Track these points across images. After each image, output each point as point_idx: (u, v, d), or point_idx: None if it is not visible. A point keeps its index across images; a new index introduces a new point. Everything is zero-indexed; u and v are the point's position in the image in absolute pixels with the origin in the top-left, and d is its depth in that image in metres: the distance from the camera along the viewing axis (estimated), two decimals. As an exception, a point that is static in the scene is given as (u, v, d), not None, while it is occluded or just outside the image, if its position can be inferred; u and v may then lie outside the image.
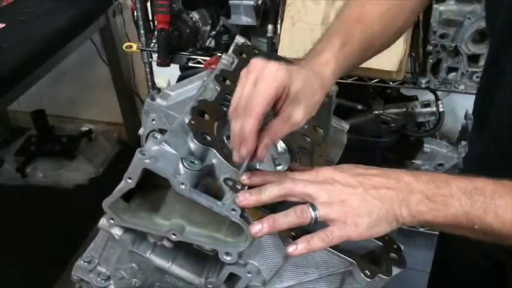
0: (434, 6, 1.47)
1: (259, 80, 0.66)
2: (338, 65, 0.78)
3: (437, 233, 1.16)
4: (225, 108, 0.79)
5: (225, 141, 0.76)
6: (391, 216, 0.66)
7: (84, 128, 2.76)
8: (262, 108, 0.65)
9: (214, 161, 0.72)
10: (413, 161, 1.81)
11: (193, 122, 0.73)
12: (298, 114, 0.69)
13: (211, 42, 1.84)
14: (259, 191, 0.68)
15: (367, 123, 1.73)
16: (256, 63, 0.67)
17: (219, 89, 0.84)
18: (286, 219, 0.67)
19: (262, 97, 0.65)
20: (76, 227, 2.05)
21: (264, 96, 0.65)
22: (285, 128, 0.70)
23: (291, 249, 0.66)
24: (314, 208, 0.66)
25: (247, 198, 0.68)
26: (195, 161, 0.70)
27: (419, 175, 0.69)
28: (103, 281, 0.82)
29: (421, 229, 1.98)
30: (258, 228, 0.66)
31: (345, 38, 0.80)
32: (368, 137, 1.75)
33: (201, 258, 0.80)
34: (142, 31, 1.80)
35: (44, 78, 1.99)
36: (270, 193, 0.68)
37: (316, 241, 0.66)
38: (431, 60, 1.56)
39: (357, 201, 0.66)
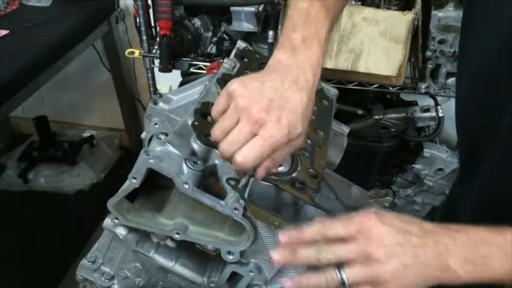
0: (433, 12, 1.48)
1: (262, 137, 0.65)
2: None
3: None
4: None
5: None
6: (423, 279, 0.64)
7: (86, 134, 2.78)
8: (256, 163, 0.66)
9: (216, 161, 0.74)
10: (413, 165, 1.82)
11: (196, 124, 0.75)
12: (299, 141, 0.70)
13: (212, 48, 1.85)
14: (297, 252, 0.66)
15: (367, 128, 1.73)
16: (255, 115, 0.65)
17: (221, 92, 0.85)
18: (315, 280, 0.65)
19: (257, 155, 0.65)
20: (77, 232, 2.07)
21: (260, 155, 0.66)
22: (286, 151, 0.70)
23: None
24: (342, 273, 0.64)
25: (284, 256, 0.66)
26: (198, 162, 0.71)
27: (457, 236, 0.65)
28: (107, 281, 0.84)
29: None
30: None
31: (330, 22, 0.77)
32: (368, 142, 1.76)
33: (203, 257, 0.81)
34: (144, 37, 1.81)
35: (47, 84, 2.01)
36: (308, 256, 0.66)
37: None
38: (430, 66, 1.57)
39: (392, 265, 0.63)
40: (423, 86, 1.62)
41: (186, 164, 0.70)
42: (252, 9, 1.63)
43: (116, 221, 0.76)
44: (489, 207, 0.83)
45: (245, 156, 0.65)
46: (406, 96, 1.85)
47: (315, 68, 0.72)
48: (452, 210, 1.01)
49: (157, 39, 1.76)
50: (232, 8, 1.65)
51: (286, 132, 0.65)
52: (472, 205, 0.87)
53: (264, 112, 0.65)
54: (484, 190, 0.82)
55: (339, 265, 0.64)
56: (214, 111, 0.70)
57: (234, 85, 0.67)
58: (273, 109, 0.65)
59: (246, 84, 0.67)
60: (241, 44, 1.03)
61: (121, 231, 0.78)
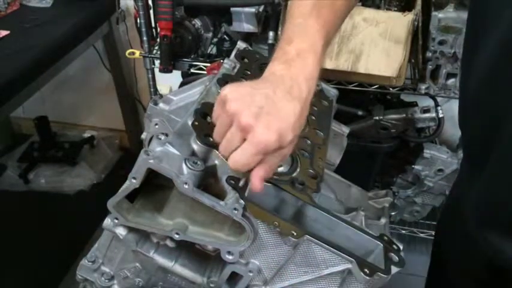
0: (433, 13, 1.48)
1: (250, 142, 0.65)
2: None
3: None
4: None
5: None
6: None
7: (87, 135, 2.78)
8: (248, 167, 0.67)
9: (216, 161, 0.74)
10: (413, 166, 1.82)
11: (196, 124, 0.75)
12: (288, 150, 0.70)
13: (212, 49, 1.85)
14: None
15: (367, 128, 1.73)
16: (248, 124, 0.64)
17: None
18: None
19: (247, 160, 0.66)
20: (77, 232, 2.07)
21: (251, 160, 0.66)
22: (279, 161, 0.71)
23: None
24: None
25: None
26: (198, 162, 0.71)
27: None
28: (107, 281, 0.84)
29: (421, 234, 2.00)
30: None
31: (326, 35, 0.77)
32: (368, 143, 1.76)
33: (203, 257, 0.81)
34: (145, 38, 1.81)
35: (47, 84, 2.01)
36: None
37: None
38: (430, 67, 1.57)
39: None
40: (423, 87, 1.62)
41: (186, 164, 0.70)
42: (252, 10, 1.64)
43: (116, 221, 0.76)
44: (490, 208, 0.83)
45: (236, 161, 0.66)
46: (406, 97, 1.85)
47: (310, 80, 0.71)
48: (453, 211, 1.01)
49: (158, 39, 1.76)
50: (232, 9, 1.65)
51: (275, 138, 0.65)
52: (474, 206, 0.87)
53: (253, 117, 0.64)
54: (486, 191, 0.82)
55: None
56: (213, 114, 0.71)
57: (226, 90, 0.68)
58: (263, 115, 0.65)
59: (238, 89, 0.68)
60: (241, 45, 1.03)
61: (121, 231, 0.78)
